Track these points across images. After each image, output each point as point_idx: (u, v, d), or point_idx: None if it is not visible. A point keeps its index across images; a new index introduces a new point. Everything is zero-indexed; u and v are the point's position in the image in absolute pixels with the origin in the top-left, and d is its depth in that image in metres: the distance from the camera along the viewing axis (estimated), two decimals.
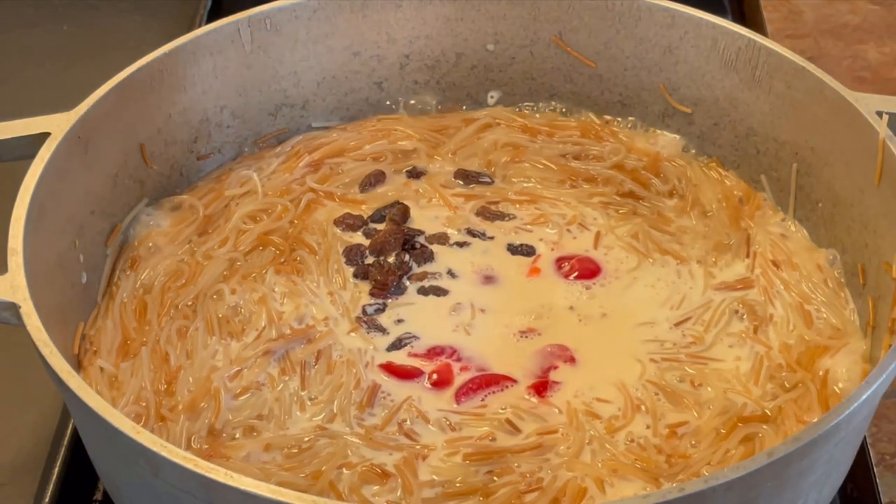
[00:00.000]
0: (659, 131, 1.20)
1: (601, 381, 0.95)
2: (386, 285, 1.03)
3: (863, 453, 1.01)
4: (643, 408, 0.93)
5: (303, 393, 0.94)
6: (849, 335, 0.99)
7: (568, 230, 1.09)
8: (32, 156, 0.96)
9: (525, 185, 1.14)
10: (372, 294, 1.03)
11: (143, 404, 0.92)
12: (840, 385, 0.94)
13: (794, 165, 1.10)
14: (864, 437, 1.00)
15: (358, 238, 1.08)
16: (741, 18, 1.61)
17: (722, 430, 0.91)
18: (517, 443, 0.90)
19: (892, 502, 1.00)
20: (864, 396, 0.79)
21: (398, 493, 0.86)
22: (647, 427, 0.92)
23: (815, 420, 0.78)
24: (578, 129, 1.19)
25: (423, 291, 1.03)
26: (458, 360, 0.97)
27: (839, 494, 1.01)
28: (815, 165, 1.08)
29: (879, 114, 0.99)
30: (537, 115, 1.22)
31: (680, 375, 0.95)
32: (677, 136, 1.18)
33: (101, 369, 0.95)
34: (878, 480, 1.01)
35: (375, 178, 1.14)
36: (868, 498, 1.00)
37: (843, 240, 1.05)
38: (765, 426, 0.91)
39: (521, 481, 0.87)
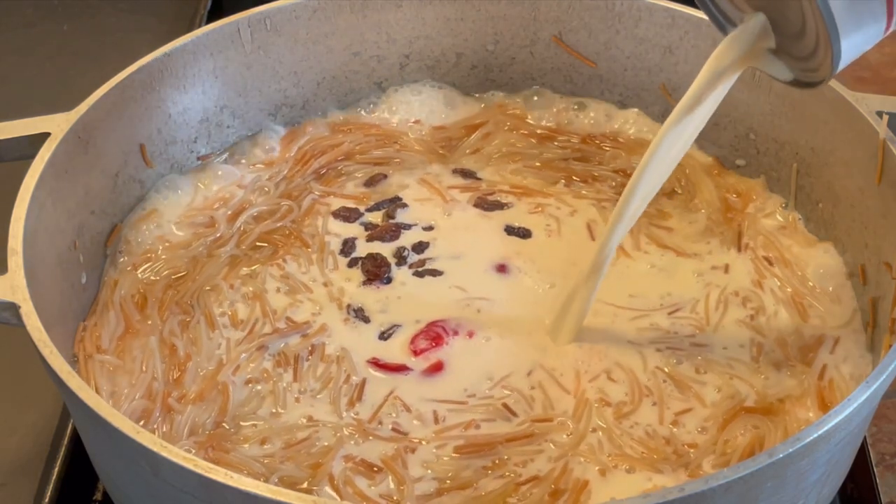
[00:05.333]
0: None
1: (604, 370, 0.96)
2: (378, 275, 1.03)
3: (863, 453, 1.01)
4: (650, 397, 0.93)
5: (295, 385, 0.94)
6: (848, 334, 0.99)
7: (564, 222, 1.09)
8: (32, 156, 0.96)
9: (522, 181, 1.14)
10: (365, 284, 1.03)
11: (152, 397, 0.93)
12: (840, 384, 0.94)
13: (794, 165, 1.10)
14: (864, 437, 1.00)
15: (354, 230, 1.09)
16: None
17: (721, 419, 0.91)
18: (508, 431, 0.90)
19: (892, 502, 1.00)
20: (864, 396, 0.79)
21: (390, 486, 0.87)
22: (654, 404, 0.92)
23: (815, 420, 0.78)
24: (578, 135, 1.19)
25: (419, 275, 1.04)
26: (456, 333, 0.98)
27: (839, 494, 1.01)
28: (815, 165, 1.08)
29: (879, 114, 0.99)
30: (532, 122, 1.22)
31: (684, 363, 0.96)
32: None
33: (102, 362, 0.95)
34: (878, 480, 1.01)
35: (377, 182, 1.14)
36: (868, 498, 1.00)
37: (843, 240, 1.05)
38: (768, 420, 0.91)
39: (517, 471, 0.87)
